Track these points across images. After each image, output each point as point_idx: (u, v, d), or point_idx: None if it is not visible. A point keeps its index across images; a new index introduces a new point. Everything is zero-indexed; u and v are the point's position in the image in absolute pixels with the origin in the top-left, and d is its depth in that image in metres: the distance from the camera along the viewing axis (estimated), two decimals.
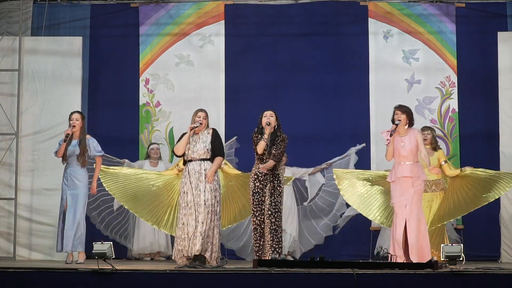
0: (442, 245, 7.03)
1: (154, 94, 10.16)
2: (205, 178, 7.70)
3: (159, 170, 9.15)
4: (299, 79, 10.12)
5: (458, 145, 9.90)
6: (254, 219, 7.77)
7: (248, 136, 7.96)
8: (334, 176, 8.57)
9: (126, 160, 9.67)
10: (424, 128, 8.47)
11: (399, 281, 6.37)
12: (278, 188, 7.75)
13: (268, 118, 7.82)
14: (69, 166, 8.31)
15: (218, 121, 9.88)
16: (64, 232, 8.18)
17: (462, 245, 6.85)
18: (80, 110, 8.87)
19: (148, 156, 9.65)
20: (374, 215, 8.35)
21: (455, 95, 9.99)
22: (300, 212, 9.62)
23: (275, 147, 7.75)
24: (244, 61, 10.20)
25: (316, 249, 9.52)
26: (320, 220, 9.68)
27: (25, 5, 9.89)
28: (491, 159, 9.27)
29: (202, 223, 7.62)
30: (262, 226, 7.74)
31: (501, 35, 9.51)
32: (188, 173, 7.74)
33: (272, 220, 7.68)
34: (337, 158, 9.67)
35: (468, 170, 8.36)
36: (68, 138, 8.21)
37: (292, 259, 9.28)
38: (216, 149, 7.80)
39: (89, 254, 7.57)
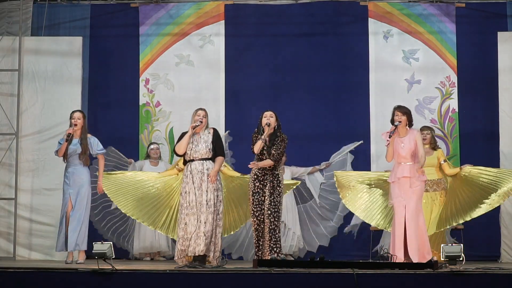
0: (442, 245, 7.03)
1: (154, 94, 10.16)
2: (207, 178, 7.72)
3: (159, 170, 9.14)
4: (299, 79, 10.12)
5: (458, 145, 9.90)
6: (254, 219, 7.77)
7: (248, 136, 7.97)
8: (336, 185, 8.61)
9: (133, 160, 9.68)
10: (424, 128, 8.48)
11: (399, 281, 6.38)
12: (278, 188, 7.75)
13: (268, 118, 7.82)
14: (70, 165, 8.32)
15: (218, 121, 9.88)
16: (69, 232, 8.19)
17: (462, 245, 6.86)
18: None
19: (148, 156, 9.65)
20: (377, 221, 8.39)
21: (455, 95, 9.98)
22: (303, 211, 9.63)
23: (274, 147, 7.75)
24: (244, 61, 10.20)
25: (321, 250, 9.55)
26: (324, 222, 9.68)
27: (25, 5, 9.88)
28: (491, 159, 9.27)
29: (205, 223, 7.63)
30: (262, 226, 7.74)
31: (501, 35, 9.51)
32: (190, 172, 7.74)
33: (271, 219, 7.68)
34: (334, 155, 9.69)
35: (467, 168, 8.37)
36: (69, 138, 8.22)
37: (293, 259, 9.29)
38: (217, 149, 7.83)
39: (89, 254, 7.59)
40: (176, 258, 7.75)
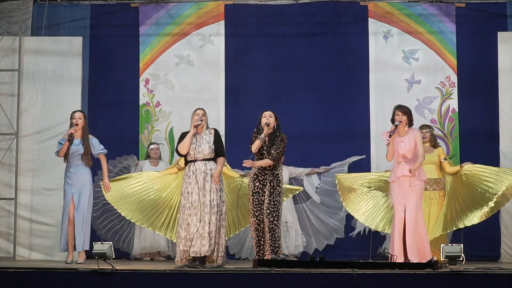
0: (442, 245, 7.03)
1: (154, 94, 10.16)
2: (211, 178, 7.73)
3: (159, 170, 9.13)
4: (299, 79, 10.11)
5: (458, 145, 9.90)
6: (254, 219, 7.77)
7: (248, 136, 7.97)
8: (338, 187, 8.62)
9: (135, 156, 9.69)
10: (423, 127, 8.50)
11: (399, 281, 6.38)
12: (277, 188, 7.76)
13: (267, 118, 7.82)
14: (71, 165, 8.32)
15: (218, 121, 9.88)
16: (76, 233, 8.20)
17: (462, 245, 6.86)
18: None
19: (148, 156, 9.65)
20: (380, 225, 8.39)
21: (455, 95, 9.98)
22: (304, 210, 9.63)
23: (274, 147, 7.76)
24: (244, 61, 10.20)
25: (326, 249, 9.58)
26: (327, 222, 9.67)
27: (25, 5, 9.89)
28: (491, 159, 9.27)
29: (210, 223, 7.65)
30: (262, 225, 7.74)
31: (501, 35, 9.51)
32: (193, 173, 7.75)
33: (270, 219, 7.68)
34: (336, 164, 9.69)
35: (468, 166, 8.38)
36: (71, 138, 8.22)
37: (296, 259, 9.29)
38: (219, 150, 7.86)
39: (89, 254, 7.58)
40: (177, 259, 7.73)
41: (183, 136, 7.91)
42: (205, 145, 7.81)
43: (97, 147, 8.39)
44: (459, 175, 8.38)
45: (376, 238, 9.28)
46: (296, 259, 9.29)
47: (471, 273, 6.45)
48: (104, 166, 8.44)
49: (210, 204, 7.69)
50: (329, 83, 10.10)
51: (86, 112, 9.11)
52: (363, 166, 9.62)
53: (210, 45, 10.19)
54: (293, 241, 9.40)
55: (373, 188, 8.47)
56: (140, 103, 10.15)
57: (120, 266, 6.84)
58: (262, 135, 7.75)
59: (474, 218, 8.09)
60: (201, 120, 7.85)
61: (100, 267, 6.50)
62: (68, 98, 9.46)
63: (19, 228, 9.31)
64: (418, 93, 10.00)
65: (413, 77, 10.04)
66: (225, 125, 9.98)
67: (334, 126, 10.04)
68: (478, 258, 8.91)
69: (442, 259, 7.07)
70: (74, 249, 8.26)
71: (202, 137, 7.85)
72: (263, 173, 7.79)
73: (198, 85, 10.14)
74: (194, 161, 7.80)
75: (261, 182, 7.78)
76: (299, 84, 10.12)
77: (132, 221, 8.65)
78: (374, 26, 10.09)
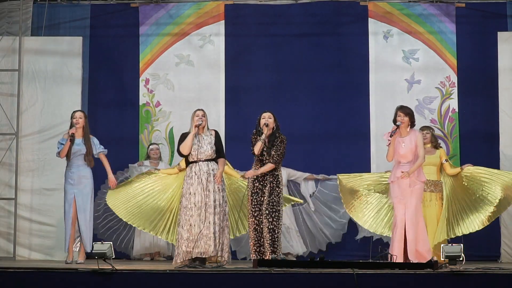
0: (442, 245, 7.03)
1: (154, 94, 10.16)
2: (213, 179, 7.74)
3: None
4: (299, 79, 10.11)
5: (458, 145, 9.90)
6: (253, 219, 7.77)
7: (248, 137, 7.97)
8: (339, 189, 8.62)
9: (144, 162, 9.66)
10: (423, 128, 8.49)
11: (399, 281, 6.38)
12: (277, 189, 7.75)
13: (267, 120, 7.82)
14: (72, 165, 8.31)
15: (218, 121, 9.88)
16: (82, 233, 8.21)
17: (462, 245, 6.86)
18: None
19: (148, 157, 9.65)
20: (385, 231, 8.40)
21: (455, 95, 9.98)
22: (302, 212, 9.63)
23: (274, 148, 7.76)
24: (244, 61, 10.19)
25: (327, 249, 9.60)
26: (327, 225, 9.67)
27: (25, 5, 9.89)
28: (491, 159, 9.27)
29: (214, 224, 7.66)
30: (261, 226, 7.74)
31: (501, 35, 9.52)
32: (196, 173, 7.76)
33: (269, 219, 7.67)
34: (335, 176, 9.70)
35: (468, 168, 8.37)
36: (72, 138, 8.22)
37: (295, 259, 9.29)
38: (220, 151, 7.89)
39: (89, 254, 7.58)
40: (179, 260, 7.70)
41: (183, 136, 7.91)
42: (207, 146, 7.83)
43: (98, 147, 8.40)
44: (459, 177, 8.37)
45: (376, 238, 9.28)
46: (295, 258, 9.29)
47: (471, 273, 6.45)
48: (106, 164, 8.43)
49: (214, 203, 7.70)
50: (329, 83, 10.10)
51: (86, 112, 9.10)
52: (363, 166, 9.61)
53: (210, 45, 10.19)
54: (295, 242, 9.39)
55: (373, 190, 8.45)
56: (140, 103, 10.15)
57: (120, 266, 6.84)
58: (263, 136, 7.74)
59: (476, 225, 8.09)
60: (201, 121, 7.86)
61: (100, 267, 6.50)
62: (68, 98, 9.46)
63: (19, 228, 9.31)
64: (418, 93, 10.00)
65: (413, 77, 10.04)
66: (225, 125, 9.98)
67: (334, 126, 10.04)
68: (478, 258, 8.90)
69: (442, 259, 7.07)
70: (79, 249, 8.26)
71: (203, 138, 7.87)
72: (263, 174, 7.78)
73: (198, 85, 10.14)
74: (197, 161, 7.81)
75: (261, 183, 7.78)
76: (299, 84, 10.12)
77: (133, 226, 8.63)
78: (374, 26, 10.09)
